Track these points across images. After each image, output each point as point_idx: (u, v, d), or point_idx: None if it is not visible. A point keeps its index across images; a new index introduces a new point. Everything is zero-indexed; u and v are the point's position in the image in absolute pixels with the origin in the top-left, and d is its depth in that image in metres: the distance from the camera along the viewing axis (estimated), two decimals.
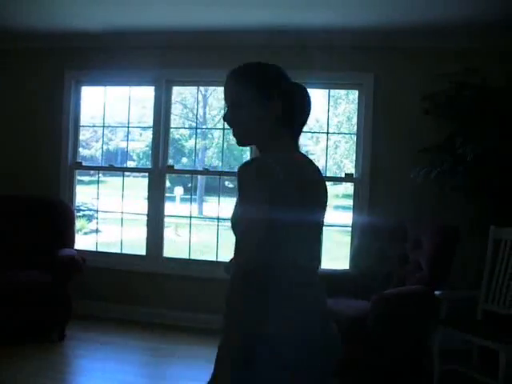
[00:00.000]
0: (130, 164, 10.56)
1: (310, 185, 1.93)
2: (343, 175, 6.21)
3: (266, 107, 1.95)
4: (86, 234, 10.66)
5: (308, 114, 2.08)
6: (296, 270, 1.89)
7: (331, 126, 6.48)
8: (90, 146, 11.34)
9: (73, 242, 5.80)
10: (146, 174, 6.34)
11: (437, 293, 4.46)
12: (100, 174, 6.93)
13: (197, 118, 7.27)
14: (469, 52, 5.27)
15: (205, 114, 11.52)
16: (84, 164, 6.65)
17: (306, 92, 2.07)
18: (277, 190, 1.77)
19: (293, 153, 2.00)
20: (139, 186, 7.39)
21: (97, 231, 6.91)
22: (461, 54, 5.30)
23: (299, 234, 1.88)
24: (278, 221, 1.79)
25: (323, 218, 2.08)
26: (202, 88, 8.93)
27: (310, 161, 2.04)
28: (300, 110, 2.04)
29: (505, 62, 5.15)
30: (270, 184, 1.77)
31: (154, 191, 6.21)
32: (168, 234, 7.13)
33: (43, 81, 6.28)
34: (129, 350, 5.28)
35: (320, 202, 2.03)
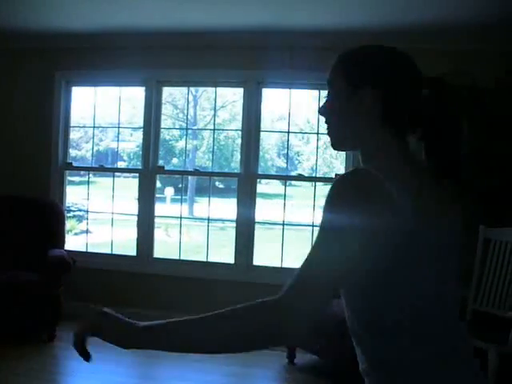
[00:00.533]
0: (121, 164, 10.55)
1: (430, 215, 1.41)
2: (333, 176, 6.23)
3: (358, 100, 1.51)
4: (76, 234, 10.63)
5: (447, 124, 1.51)
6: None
7: (322, 127, 6.48)
8: (81, 147, 11.32)
9: (63, 242, 5.80)
10: (137, 175, 6.33)
11: None
12: (90, 175, 6.93)
13: (187, 119, 7.26)
14: (459, 53, 5.29)
15: (195, 114, 11.52)
16: (74, 164, 6.65)
17: (443, 94, 1.57)
18: (378, 216, 1.31)
19: (407, 169, 1.46)
20: (130, 186, 7.39)
21: (87, 232, 6.90)
22: (451, 55, 5.32)
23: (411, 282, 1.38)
24: (376, 262, 1.35)
25: (453, 264, 1.50)
26: (192, 88, 8.92)
27: (443, 187, 1.54)
28: (417, 113, 1.51)
29: (494, 62, 5.18)
30: (370, 206, 1.31)
31: (144, 192, 6.21)
32: (158, 234, 7.12)
33: (33, 81, 6.25)
34: (119, 350, 5.25)
35: (445, 240, 1.46)
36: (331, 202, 1.33)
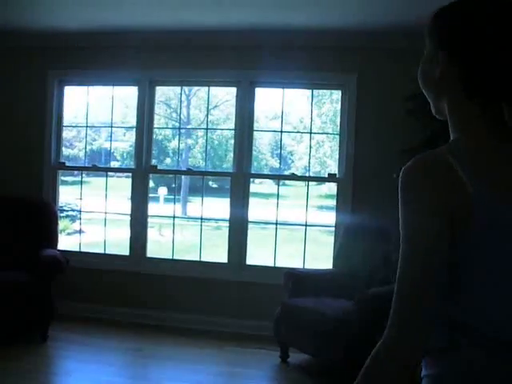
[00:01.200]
0: (114, 164, 10.52)
1: None
2: (326, 175, 6.24)
3: (435, 64, 1.35)
4: (69, 234, 10.59)
5: None
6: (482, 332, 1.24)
7: (315, 126, 6.50)
8: (74, 146, 11.28)
9: (56, 242, 5.78)
10: (130, 175, 6.33)
11: None
12: (83, 174, 6.91)
13: (180, 118, 7.26)
14: None
15: (188, 114, 11.51)
16: (67, 164, 6.63)
17: None
18: (447, 197, 1.20)
19: (492, 150, 1.28)
20: (123, 186, 7.38)
21: (80, 231, 6.88)
22: None
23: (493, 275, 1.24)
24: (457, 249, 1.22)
25: None
26: (185, 88, 8.91)
27: None
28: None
29: None
30: (436, 188, 1.21)
31: (137, 191, 6.20)
32: (151, 234, 7.12)
33: (26, 80, 6.24)
34: (112, 350, 5.27)
35: None
36: (399, 193, 1.25)
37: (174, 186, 7.73)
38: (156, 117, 6.41)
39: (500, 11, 1.27)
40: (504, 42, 1.25)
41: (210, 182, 14.19)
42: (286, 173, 8.23)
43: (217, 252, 6.61)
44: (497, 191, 1.22)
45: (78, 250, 6.48)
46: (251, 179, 6.18)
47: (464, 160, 1.23)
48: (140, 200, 6.18)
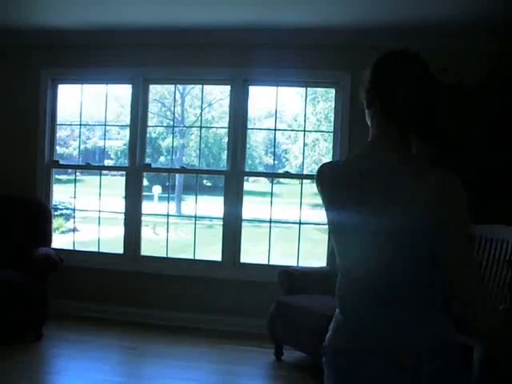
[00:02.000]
0: (108, 162, 10.51)
1: (355, 183, 1.79)
2: None
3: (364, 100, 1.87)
4: (63, 233, 10.59)
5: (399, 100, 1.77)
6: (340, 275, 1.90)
7: (310, 124, 6.50)
8: (68, 145, 11.27)
9: (50, 240, 5.77)
10: (124, 173, 6.32)
11: None
12: (77, 173, 6.90)
13: (174, 117, 7.25)
14: (444, 52, 5.31)
15: (183, 112, 11.50)
16: (61, 163, 6.61)
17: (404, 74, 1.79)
18: (321, 194, 1.90)
19: (362, 150, 1.85)
20: (117, 184, 7.37)
21: (74, 230, 6.88)
22: (436, 54, 5.32)
23: (339, 237, 1.90)
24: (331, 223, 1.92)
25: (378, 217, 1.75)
26: (179, 86, 8.90)
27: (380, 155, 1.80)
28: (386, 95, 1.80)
29: (478, 62, 5.21)
30: (319, 188, 1.91)
31: (131, 190, 6.19)
32: (146, 232, 7.11)
33: (19, 79, 6.22)
34: (107, 348, 5.26)
35: (366, 200, 1.76)
36: None
37: (168, 184, 7.73)
38: (150, 115, 6.41)
39: (410, 71, 1.78)
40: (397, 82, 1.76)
41: (204, 181, 14.21)
42: (281, 171, 8.22)
43: (211, 250, 6.61)
44: (340, 194, 1.83)
45: (72, 248, 6.47)
46: (245, 177, 6.18)
47: (336, 168, 1.89)
48: (134, 198, 6.18)
